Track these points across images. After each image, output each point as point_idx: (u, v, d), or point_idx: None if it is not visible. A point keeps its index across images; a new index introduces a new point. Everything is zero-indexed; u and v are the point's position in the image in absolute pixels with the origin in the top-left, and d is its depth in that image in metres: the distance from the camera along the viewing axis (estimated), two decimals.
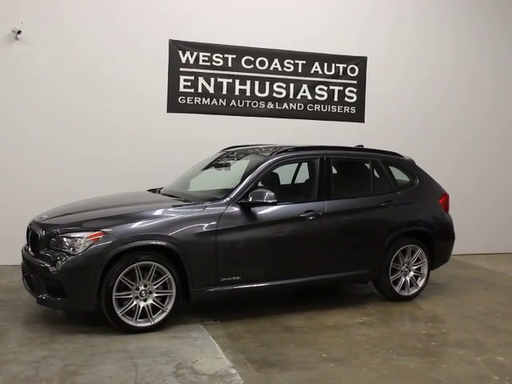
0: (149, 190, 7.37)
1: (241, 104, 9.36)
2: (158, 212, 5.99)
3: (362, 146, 7.84)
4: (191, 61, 9.07)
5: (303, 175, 7.38)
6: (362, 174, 7.43)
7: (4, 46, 8.25)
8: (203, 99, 9.18)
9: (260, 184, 6.51)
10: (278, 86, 9.54)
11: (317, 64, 9.71)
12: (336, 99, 9.87)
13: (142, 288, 5.68)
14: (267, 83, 9.49)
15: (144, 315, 5.68)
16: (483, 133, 10.74)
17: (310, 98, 9.71)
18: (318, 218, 6.56)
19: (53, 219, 6.06)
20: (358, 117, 10.01)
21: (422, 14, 10.26)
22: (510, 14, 10.77)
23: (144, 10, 8.80)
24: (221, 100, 9.26)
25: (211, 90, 9.21)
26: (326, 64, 9.76)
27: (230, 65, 9.28)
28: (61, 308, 5.97)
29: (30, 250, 6.00)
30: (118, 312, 5.57)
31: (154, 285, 5.72)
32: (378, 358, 5.26)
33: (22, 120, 8.39)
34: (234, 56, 9.29)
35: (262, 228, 6.26)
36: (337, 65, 9.82)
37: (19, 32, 8.19)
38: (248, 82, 9.39)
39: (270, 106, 9.51)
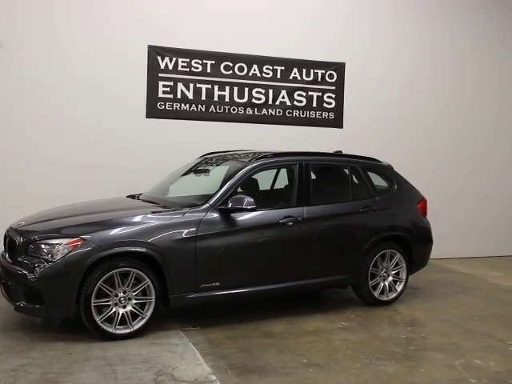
0: (128, 196, 7.33)
1: (220, 110, 9.37)
2: (137, 218, 5.96)
3: (340, 151, 7.88)
4: (170, 66, 9.06)
5: (282, 181, 7.41)
6: (340, 179, 7.48)
7: None
8: (182, 105, 9.17)
9: (239, 190, 6.53)
10: (257, 92, 9.56)
11: (295, 70, 9.75)
12: (315, 105, 9.92)
13: (121, 295, 5.65)
14: (246, 89, 9.51)
15: (123, 322, 5.65)
16: (461, 138, 10.87)
17: (288, 103, 9.75)
18: (298, 224, 6.58)
19: (31, 226, 6.01)
20: (337, 122, 10.06)
21: (399, 20, 10.36)
22: (488, 18, 10.89)
23: (123, 15, 8.77)
24: (200, 106, 9.26)
25: (190, 95, 9.20)
26: (304, 70, 9.81)
27: (208, 70, 9.28)
28: (39, 315, 5.91)
29: (7, 256, 5.94)
30: (97, 319, 5.53)
31: (134, 291, 5.69)
32: (358, 362, 5.29)
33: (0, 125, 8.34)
34: (213, 62, 9.29)
35: (241, 234, 6.26)
36: (315, 71, 9.87)
37: None
38: (227, 88, 9.40)
39: (249, 111, 9.53)
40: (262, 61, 9.55)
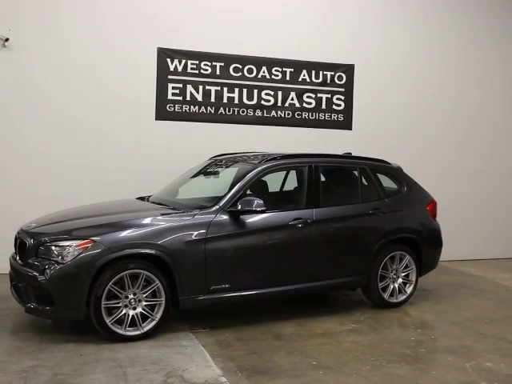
0: (137, 198, 7.35)
1: (229, 112, 9.38)
2: (147, 220, 5.97)
3: (349, 153, 7.88)
4: (179, 68, 9.09)
5: (292, 183, 7.40)
6: (350, 181, 7.46)
7: None
8: (191, 107, 9.19)
9: (249, 192, 6.52)
10: (266, 94, 9.57)
11: (305, 72, 9.76)
12: (324, 107, 9.92)
13: (132, 296, 5.66)
14: (255, 91, 9.52)
15: (133, 324, 5.66)
16: (470, 140, 10.84)
17: (297, 105, 9.75)
18: (307, 226, 6.57)
19: (41, 227, 6.03)
20: (346, 124, 10.06)
21: (408, 22, 10.35)
22: (498, 24, 10.88)
23: (132, 18, 8.81)
24: (209, 108, 9.28)
25: (199, 97, 9.22)
26: (313, 72, 9.81)
27: (218, 72, 9.30)
28: (49, 317, 5.93)
29: (18, 258, 5.96)
30: (107, 321, 5.54)
31: (144, 293, 5.70)
32: (368, 365, 5.27)
33: (8, 127, 8.38)
34: (223, 64, 9.31)
35: (251, 236, 6.26)
36: (324, 72, 9.87)
37: (7, 39, 8.17)
38: (236, 90, 9.42)
39: (259, 113, 9.53)
40: (271, 63, 9.56)
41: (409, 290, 7.36)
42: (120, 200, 7.36)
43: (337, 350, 5.66)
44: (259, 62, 9.51)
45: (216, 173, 7.50)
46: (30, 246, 5.75)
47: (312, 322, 6.55)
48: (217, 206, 6.19)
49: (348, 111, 10.06)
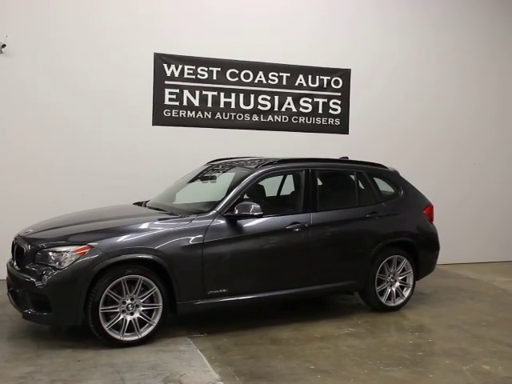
0: (135, 204, 7.35)
1: (226, 117, 9.39)
2: (145, 225, 5.98)
3: (346, 157, 7.90)
4: (176, 74, 9.10)
5: (289, 187, 7.42)
6: (347, 185, 7.47)
7: None
8: (188, 112, 9.20)
9: (246, 196, 6.53)
10: (263, 99, 9.58)
11: (301, 76, 9.77)
12: (320, 111, 9.93)
13: (129, 302, 5.66)
14: (252, 96, 9.53)
15: (131, 329, 5.65)
16: (466, 144, 10.86)
17: (294, 110, 9.77)
18: (304, 230, 6.58)
19: (38, 233, 6.03)
20: (343, 128, 10.07)
21: (404, 27, 10.37)
22: (492, 27, 10.92)
23: (129, 23, 8.82)
24: (206, 113, 9.28)
25: (196, 102, 9.23)
26: (310, 76, 9.83)
27: (214, 78, 9.31)
28: (47, 323, 5.92)
29: (15, 264, 5.96)
30: (105, 326, 5.54)
31: (141, 298, 5.70)
32: (366, 368, 5.28)
33: (7, 132, 8.35)
34: (219, 69, 9.32)
35: (248, 240, 6.27)
36: (321, 77, 9.89)
37: (4, 45, 8.17)
38: (233, 95, 9.43)
39: (255, 118, 9.54)
40: (267, 67, 9.58)
41: (406, 293, 7.37)
42: (117, 205, 7.36)
43: (334, 353, 5.67)
44: (256, 66, 9.52)
45: (213, 178, 7.51)
46: (28, 251, 5.75)
47: (310, 326, 6.55)
48: (214, 211, 6.20)
49: (344, 115, 10.08)
